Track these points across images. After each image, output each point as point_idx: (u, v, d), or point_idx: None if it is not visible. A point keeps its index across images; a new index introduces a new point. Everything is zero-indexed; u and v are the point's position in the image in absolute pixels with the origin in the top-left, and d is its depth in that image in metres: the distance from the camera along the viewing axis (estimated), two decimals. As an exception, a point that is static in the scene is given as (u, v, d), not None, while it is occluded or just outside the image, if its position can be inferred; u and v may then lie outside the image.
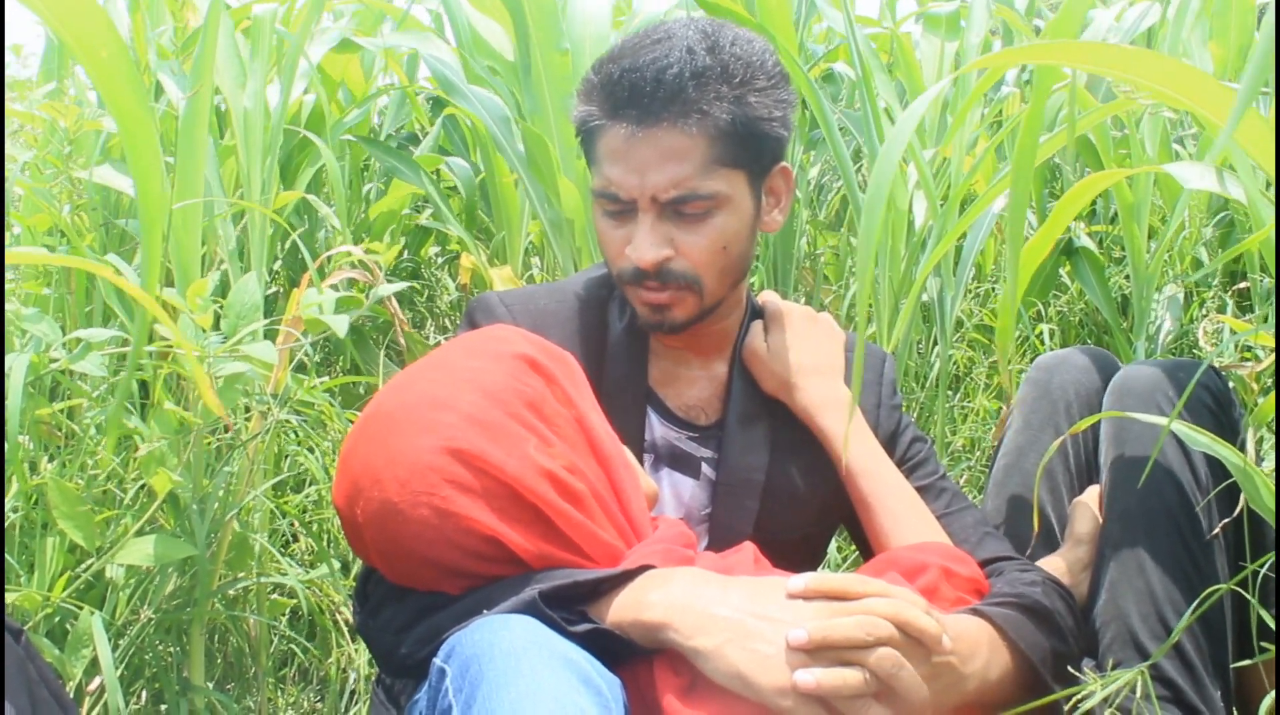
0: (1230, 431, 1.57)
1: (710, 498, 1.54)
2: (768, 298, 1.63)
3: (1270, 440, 2.13)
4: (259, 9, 2.59)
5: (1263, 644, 1.44)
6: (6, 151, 1.92)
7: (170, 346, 1.72)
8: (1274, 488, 1.35)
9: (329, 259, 2.31)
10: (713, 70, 1.38)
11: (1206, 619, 1.46)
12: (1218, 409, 1.57)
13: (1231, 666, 1.49)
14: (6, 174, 1.88)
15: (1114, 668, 1.43)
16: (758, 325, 1.59)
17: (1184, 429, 1.39)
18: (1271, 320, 2.55)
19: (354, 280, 2.10)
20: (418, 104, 3.66)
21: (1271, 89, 1.62)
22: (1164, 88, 1.19)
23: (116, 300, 2.06)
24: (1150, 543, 1.51)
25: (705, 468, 1.55)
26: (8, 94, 2.51)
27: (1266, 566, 1.43)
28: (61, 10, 1.38)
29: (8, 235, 2.15)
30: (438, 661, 1.09)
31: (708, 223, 1.42)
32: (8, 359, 1.63)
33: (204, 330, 1.74)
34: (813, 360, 1.55)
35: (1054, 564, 1.63)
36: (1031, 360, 2.94)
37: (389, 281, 2.01)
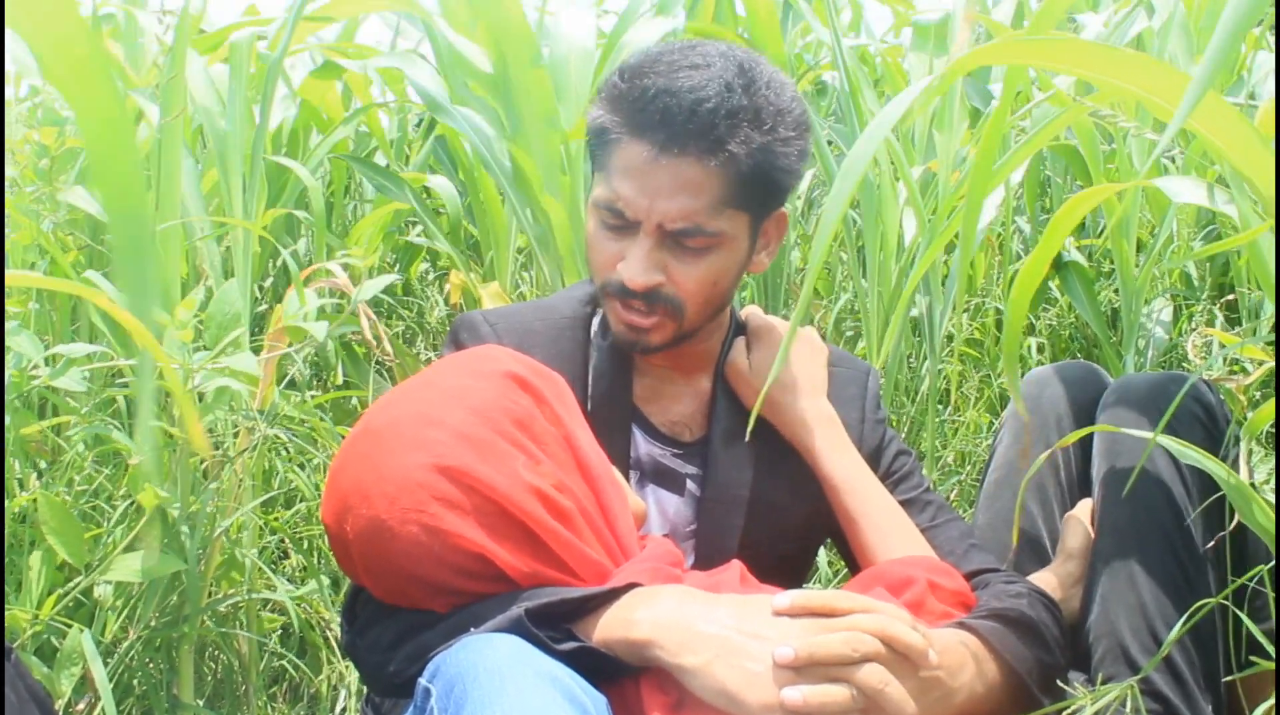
0: (1222, 445, 1.57)
1: (695, 514, 1.54)
2: (751, 313, 1.63)
3: (1260, 453, 2.13)
4: (235, 35, 2.60)
5: (1252, 657, 1.44)
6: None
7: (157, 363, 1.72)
8: (1268, 502, 1.35)
9: (316, 272, 2.31)
10: (746, 112, 1.37)
11: (1198, 632, 1.46)
12: (1209, 422, 1.57)
13: (1223, 680, 1.49)
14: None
15: (1105, 682, 1.43)
16: (740, 342, 1.59)
17: (1172, 443, 1.40)
18: (1260, 333, 2.55)
19: (343, 293, 2.10)
20: (377, 124, 3.65)
21: (1268, 100, 1.63)
22: (1139, 89, 1.18)
23: (101, 317, 2.06)
24: (1142, 557, 1.51)
25: (690, 484, 1.55)
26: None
27: (1255, 580, 1.43)
28: (43, 30, 1.37)
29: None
30: (423, 681, 1.09)
31: (704, 258, 1.41)
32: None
33: (188, 345, 1.74)
34: (795, 376, 1.55)
35: (1045, 579, 1.63)
36: (1021, 374, 2.95)
37: (370, 282, 2.00)
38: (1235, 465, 1.55)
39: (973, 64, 2.06)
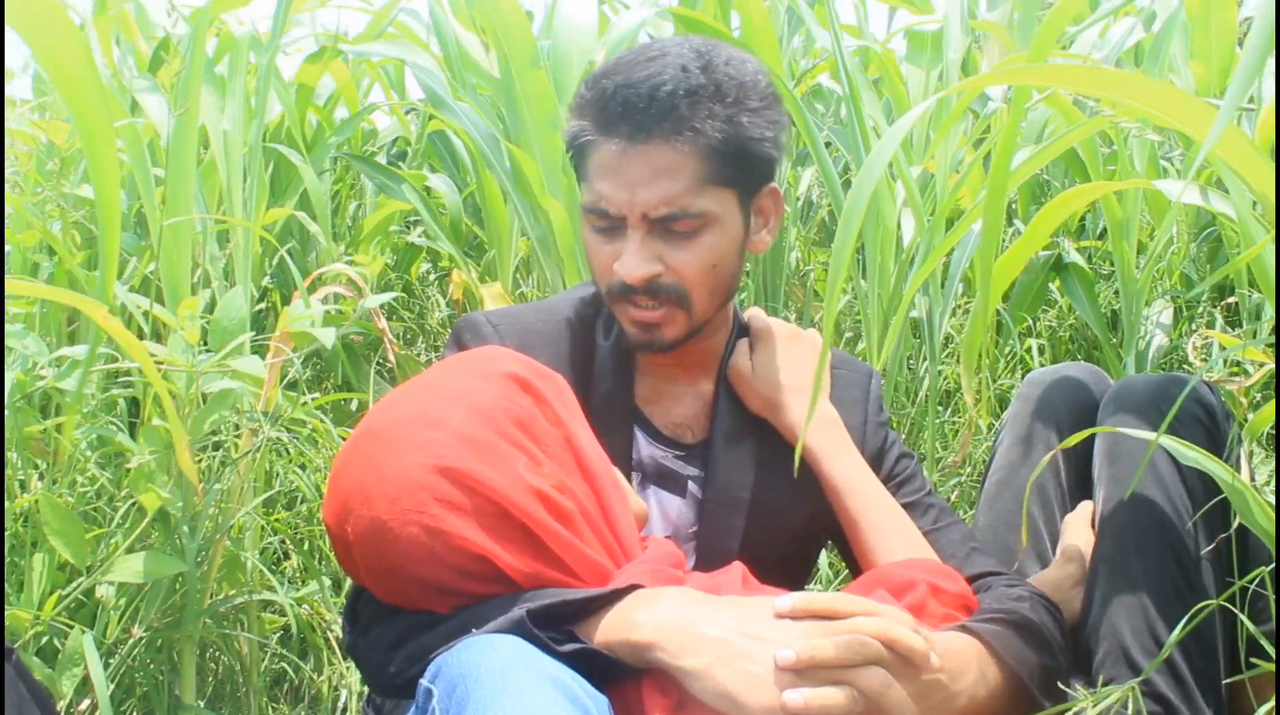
0: (1223, 446, 1.57)
1: (697, 516, 1.55)
2: (753, 315, 1.63)
3: (1260, 455, 2.13)
4: (235, 29, 2.60)
5: (1252, 659, 1.44)
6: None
7: (160, 363, 1.72)
8: (1268, 504, 1.35)
9: (319, 277, 2.31)
10: (706, 89, 1.39)
11: (1199, 634, 1.46)
12: (1211, 424, 1.57)
13: (1224, 682, 1.48)
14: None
15: (1106, 684, 1.43)
16: (743, 344, 1.59)
17: (1174, 445, 1.40)
18: (1260, 335, 2.56)
19: (343, 296, 2.11)
20: (404, 118, 3.66)
21: (1259, 106, 1.63)
22: (1147, 107, 1.19)
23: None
24: (1143, 558, 1.51)
25: (691, 486, 1.55)
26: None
27: (1256, 581, 1.43)
28: (37, 28, 1.39)
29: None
30: (424, 682, 1.09)
31: (697, 241, 1.42)
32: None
33: (193, 346, 1.74)
34: (797, 378, 1.55)
35: (1045, 580, 1.63)
36: (1021, 376, 2.94)
37: (376, 296, 2.01)
38: (1237, 466, 1.55)
39: (983, 85, 2.07)
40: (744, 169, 1.43)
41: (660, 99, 1.37)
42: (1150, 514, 1.53)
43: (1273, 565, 1.39)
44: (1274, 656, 1.39)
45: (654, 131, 1.37)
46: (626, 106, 1.38)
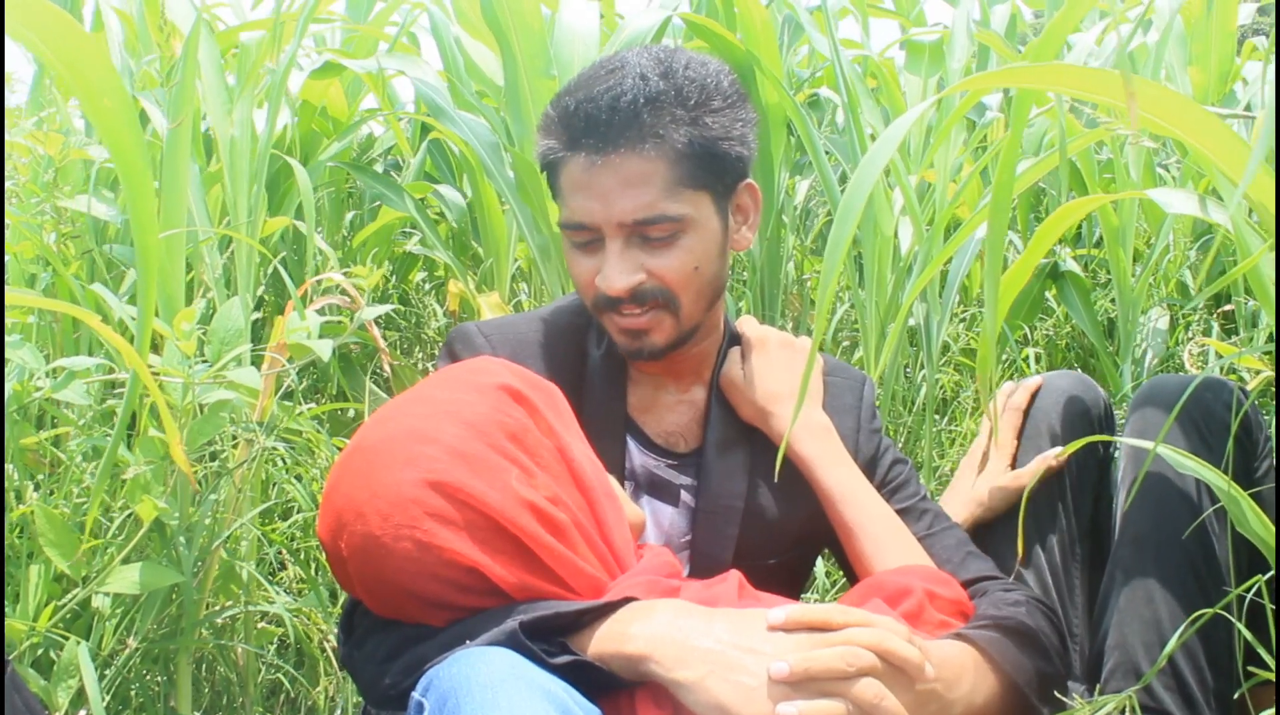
0: (1255, 453, 1.55)
1: (690, 525, 1.55)
2: (745, 323, 1.63)
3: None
4: (245, 36, 2.59)
5: (1249, 668, 1.43)
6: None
7: (157, 373, 1.72)
8: (1265, 510, 1.34)
9: (317, 284, 2.31)
10: (667, 94, 1.40)
11: (1211, 648, 1.45)
12: (1241, 431, 1.55)
13: (1234, 697, 1.47)
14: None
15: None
16: (735, 352, 1.60)
17: (1171, 453, 1.39)
18: (1256, 343, 2.56)
19: (339, 306, 2.10)
20: (399, 128, 3.66)
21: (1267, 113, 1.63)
22: (1146, 113, 1.19)
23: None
24: (1161, 571, 1.50)
25: (684, 495, 1.55)
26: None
27: (1253, 591, 1.42)
28: (58, 48, 1.38)
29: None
30: (416, 695, 1.09)
31: (676, 245, 1.43)
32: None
33: (189, 357, 1.74)
34: (789, 387, 1.55)
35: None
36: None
37: (372, 307, 2.01)
38: (1267, 474, 1.53)
39: (985, 85, 2.06)
40: (714, 170, 1.44)
41: (622, 109, 1.39)
42: (1172, 522, 1.52)
43: (1270, 574, 1.38)
44: (1272, 667, 1.39)
45: (619, 142, 1.39)
46: (590, 120, 1.40)
